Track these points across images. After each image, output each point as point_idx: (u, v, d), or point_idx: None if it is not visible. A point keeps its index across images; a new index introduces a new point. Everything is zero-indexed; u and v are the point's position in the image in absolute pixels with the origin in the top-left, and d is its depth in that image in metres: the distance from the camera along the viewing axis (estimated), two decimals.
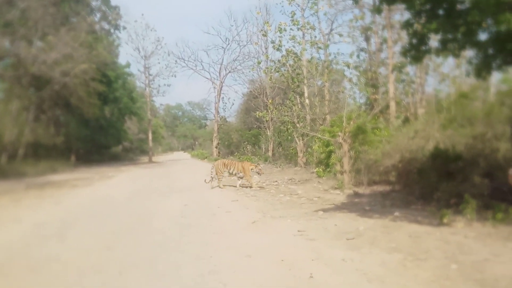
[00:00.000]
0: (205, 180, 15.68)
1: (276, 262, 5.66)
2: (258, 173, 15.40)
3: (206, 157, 43.84)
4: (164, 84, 75.26)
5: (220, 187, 14.93)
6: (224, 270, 5.42)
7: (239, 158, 32.59)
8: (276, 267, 5.46)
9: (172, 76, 70.03)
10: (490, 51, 7.51)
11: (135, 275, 5.38)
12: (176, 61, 45.70)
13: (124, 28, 42.76)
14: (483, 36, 7.74)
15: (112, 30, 41.61)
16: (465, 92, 12.76)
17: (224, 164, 15.43)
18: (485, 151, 9.74)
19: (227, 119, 47.16)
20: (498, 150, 9.63)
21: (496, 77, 12.13)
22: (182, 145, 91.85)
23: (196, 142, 78.20)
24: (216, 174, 15.30)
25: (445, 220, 7.50)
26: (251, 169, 15.11)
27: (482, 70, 7.64)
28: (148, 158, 47.94)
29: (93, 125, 36.72)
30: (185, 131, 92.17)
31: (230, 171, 15.22)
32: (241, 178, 15.16)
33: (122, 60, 59.29)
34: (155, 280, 5.17)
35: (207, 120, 75.85)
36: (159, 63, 70.45)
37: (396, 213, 8.78)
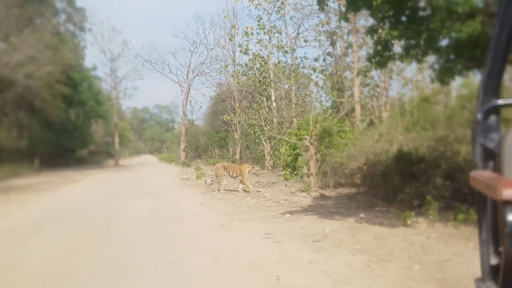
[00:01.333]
0: (205, 182, 15.84)
1: (243, 265, 5.70)
2: (256, 174, 15.24)
3: (173, 160, 43.61)
4: (131, 87, 74.63)
5: (219, 191, 14.67)
6: (192, 274, 5.40)
7: (206, 161, 32.54)
8: (243, 270, 5.50)
9: (139, 79, 69.42)
10: (451, 57, 7.76)
11: (103, 279, 5.33)
12: (143, 63, 45.35)
13: (90, 30, 42.24)
14: (444, 42, 8.00)
15: (77, 32, 41.05)
16: (427, 96, 13.14)
17: (224, 167, 15.21)
18: (446, 154, 10.04)
19: (195, 122, 46.98)
20: (459, 152, 9.94)
21: (457, 81, 12.52)
22: (149, 149, 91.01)
23: (164, 145, 77.63)
24: (216, 177, 15.09)
25: (408, 222, 7.71)
26: (248, 171, 14.82)
27: (443, 75, 7.90)
28: (115, 161, 47.37)
29: (57, 128, 36.09)
30: (153, 134, 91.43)
31: (230, 174, 14.98)
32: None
33: (88, 62, 58.62)
34: (123, 285, 5.15)
35: (174, 123, 75.38)
36: (125, 65, 69.76)
37: (361, 215, 8.96)
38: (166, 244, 7.16)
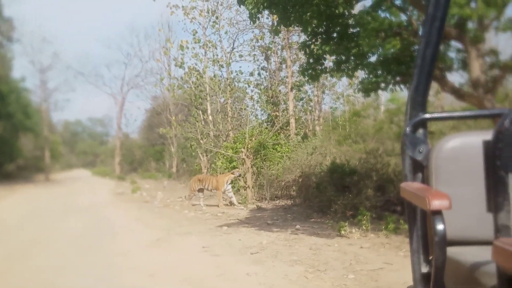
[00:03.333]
0: (184, 197, 14.88)
1: (180, 280, 5.67)
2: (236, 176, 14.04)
3: (107, 174, 42.53)
4: (63, 99, 72.30)
5: (198, 205, 13.72)
6: None
7: (142, 175, 31.98)
8: (180, 285, 5.47)
9: (71, 91, 67.46)
10: (379, 72, 8.09)
11: None
12: (75, 75, 44.16)
13: (18, 40, 40.71)
14: (373, 59, 8.35)
15: (4, 43, 39.44)
16: (357, 110, 13.59)
17: (199, 179, 14.24)
18: (377, 166, 10.41)
19: (130, 136, 46.20)
20: (389, 164, 10.34)
21: (385, 96, 13.04)
22: (82, 162, 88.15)
23: (98, 159, 75.54)
24: (190, 190, 14.35)
25: (342, 232, 7.93)
26: (227, 181, 13.49)
27: (370, 89, 8.23)
28: (45, 176, 45.64)
29: None
30: (86, 148, 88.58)
31: (206, 187, 13.90)
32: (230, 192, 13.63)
33: (16, 73, 56.32)
34: None
35: (109, 136, 73.74)
36: (57, 77, 67.53)
37: (297, 226, 9.12)
38: (99, 262, 6.97)
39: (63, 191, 25.95)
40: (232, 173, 13.84)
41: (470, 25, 7.25)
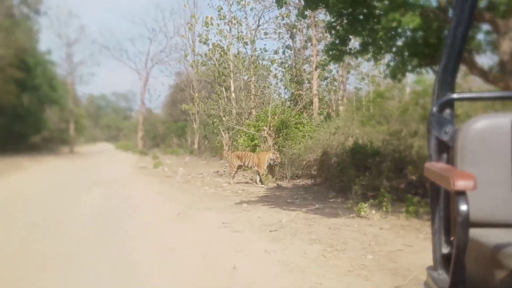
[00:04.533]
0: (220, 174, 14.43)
1: (199, 254, 5.73)
2: (275, 161, 13.31)
3: (130, 149, 43.01)
4: (88, 73, 72.91)
5: (229, 184, 13.52)
6: (146, 264, 5.40)
7: (164, 151, 32.25)
8: (199, 259, 5.53)
9: (96, 65, 67.92)
10: (406, 54, 7.96)
11: (53, 270, 5.24)
12: (100, 50, 44.43)
13: (45, 13, 41.02)
14: (399, 42, 8.20)
15: (31, 15, 39.77)
16: (382, 91, 13.42)
17: (238, 156, 13.80)
18: (400, 148, 10.32)
19: (153, 111, 46.52)
20: (412, 146, 10.23)
21: (411, 78, 12.86)
22: (105, 136, 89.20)
23: (121, 134, 76.33)
24: (229, 168, 13.99)
25: (362, 213, 7.91)
26: (268, 159, 13.10)
27: (397, 72, 8.10)
28: (69, 148, 46.32)
29: (9, 113, 34.91)
30: (109, 122, 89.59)
31: (246, 164, 13.59)
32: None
33: (42, 46, 56.84)
34: (75, 275, 5.08)
35: (132, 111, 74.33)
36: (82, 51, 68.06)
37: (317, 206, 9.13)
38: (120, 233, 7.11)
39: (87, 163, 26.38)
40: (273, 153, 13.35)
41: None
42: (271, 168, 13.31)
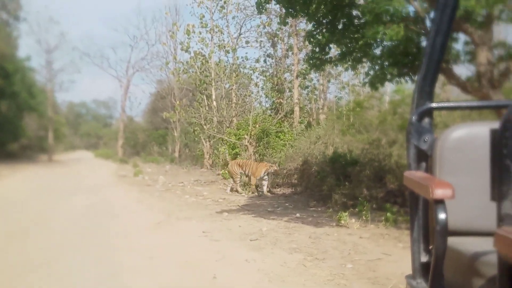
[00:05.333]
0: (230, 186, 13.87)
1: (179, 264, 5.70)
2: (274, 174, 13.09)
3: (110, 157, 42.61)
4: (68, 80, 72.20)
5: (237, 192, 13.23)
6: (125, 273, 5.34)
7: (145, 159, 32.05)
8: (179, 269, 5.50)
9: (77, 72, 67.33)
10: (385, 64, 8.04)
11: (33, 277, 5.17)
12: (81, 56, 44.10)
13: (25, 19, 40.55)
14: (378, 50, 8.30)
15: (11, 21, 39.30)
16: (361, 100, 13.55)
17: (239, 164, 13.45)
18: (379, 156, 10.41)
19: (134, 119, 46.23)
20: (392, 155, 10.33)
21: (390, 87, 13.00)
22: (85, 144, 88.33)
23: (101, 142, 75.64)
24: (231, 177, 13.64)
25: (342, 222, 7.93)
26: (265, 172, 12.75)
27: (376, 81, 8.18)
28: (48, 156, 45.72)
29: None
30: (89, 130, 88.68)
31: (246, 173, 13.25)
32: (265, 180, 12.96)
33: (22, 53, 56.10)
34: (54, 283, 5.01)
35: (112, 119, 73.79)
36: (62, 58, 67.42)
37: (298, 215, 9.14)
38: (99, 242, 7.03)
39: (66, 171, 26.04)
40: (270, 166, 12.93)
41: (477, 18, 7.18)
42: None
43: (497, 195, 1.13)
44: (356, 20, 8.36)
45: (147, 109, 45.90)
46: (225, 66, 20.51)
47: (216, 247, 6.62)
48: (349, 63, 8.92)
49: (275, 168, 12.94)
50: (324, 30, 8.58)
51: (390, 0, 7.09)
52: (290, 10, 8.44)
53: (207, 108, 20.34)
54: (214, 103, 20.39)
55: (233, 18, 20.62)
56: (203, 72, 20.70)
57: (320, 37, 8.67)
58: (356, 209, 8.48)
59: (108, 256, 6.13)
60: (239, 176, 13.36)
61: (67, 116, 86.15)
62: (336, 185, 10.07)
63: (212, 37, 21.08)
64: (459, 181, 1.85)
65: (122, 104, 43.12)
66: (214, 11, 21.09)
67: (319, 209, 9.85)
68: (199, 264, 5.70)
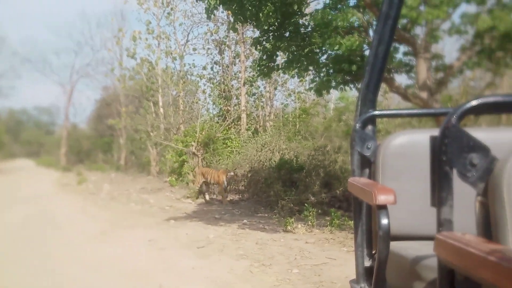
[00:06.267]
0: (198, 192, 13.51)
1: (125, 274, 5.60)
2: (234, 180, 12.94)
3: (53, 165, 41.37)
4: (8, 86, 69.61)
5: (205, 200, 12.83)
6: (69, 284, 5.22)
7: (89, 167, 31.31)
8: (125, 279, 5.40)
9: (17, 78, 65.04)
10: (330, 71, 8.22)
11: None
12: (22, 62, 42.70)
13: None
14: (324, 58, 8.50)
15: None
16: (307, 107, 13.76)
17: (202, 173, 13.05)
18: (325, 163, 10.59)
19: (78, 126, 45.11)
20: (336, 161, 10.52)
21: (335, 94, 13.28)
22: (26, 152, 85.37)
23: (43, 149, 73.29)
24: (197, 184, 13.26)
25: (288, 227, 8.02)
26: (225, 179, 12.42)
27: (322, 88, 8.35)
28: None
29: None
30: (30, 137, 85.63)
31: (209, 180, 12.83)
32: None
33: None
34: None
35: (55, 126, 71.56)
36: (2, 63, 64.99)
37: (245, 221, 9.16)
38: (41, 254, 6.80)
39: (5, 180, 25.06)
40: (228, 172, 12.71)
41: (419, 29, 7.50)
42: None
43: (437, 200, 1.17)
44: (302, 29, 8.52)
45: (92, 116, 44.88)
46: (172, 73, 20.35)
47: (162, 255, 6.55)
48: (296, 70, 9.06)
49: (232, 174, 12.82)
50: (271, 38, 8.69)
51: (339, 12, 7.34)
52: (239, 16, 8.49)
53: (154, 115, 20.12)
54: (161, 110, 20.19)
55: (180, 25, 20.50)
56: (149, 78, 20.47)
57: (267, 45, 8.78)
58: (302, 215, 8.59)
59: (50, 268, 5.94)
60: (201, 185, 13.12)
61: (7, 123, 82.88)
62: (282, 191, 10.17)
63: (159, 44, 20.89)
64: (401, 187, 1.89)
65: (66, 111, 42.07)
66: (161, 18, 20.92)
67: (266, 215, 9.91)
68: (145, 273, 5.62)
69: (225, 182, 12.45)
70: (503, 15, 6.57)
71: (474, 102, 1.16)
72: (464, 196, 1.22)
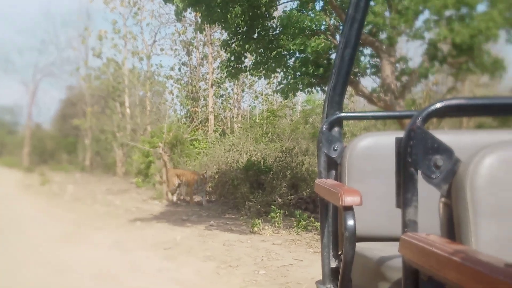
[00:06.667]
0: (166, 193, 13.33)
1: (90, 276, 5.52)
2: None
3: (15, 165, 40.35)
4: None
5: (173, 201, 12.66)
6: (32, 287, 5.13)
7: (53, 167, 30.68)
8: (89, 282, 5.33)
9: None
10: (298, 74, 8.29)
11: None
12: None
13: None
14: (291, 61, 8.57)
15: None
16: (274, 110, 13.83)
17: (176, 175, 12.82)
18: (292, 164, 10.65)
19: (42, 126, 44.12)
20: (303, 163, 10.60)
21: (302, 97, 13.39)
22: None
23: (4, 149, 71.38)
24: (168, 186, 13.04)
25: (255, 229, 8.04)
26: (197, 180, 12.31)
27: (289, 90, 8.43)
28: None
29: None
30: None
31: (183, 182, 12.63)
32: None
33: None
34: None
35: (18, 125, 69.80)
36: None
37: (212, 222, 9.13)
38: (2, 256, 6.63)
39: None
40: (199, 174, 12.53)
41: (383, 34, 7.67)
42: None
43: (402, 202, 1.18)
44: (271, 31, 8.57)
45: (56, 116, 43.97)
46: (139, 73, 20.17)
47: (128, 257, 6.48)
48: (264, 72, 9.11)
49: (203, 175, 12.59)
50: (240, 39, 8.72)
51: (306, 14, 7.44)
52: (208, 18, 8.49)
53: (120, 116, 19.89)
54: (128, 110, 19.98)
55: (147, 25, 20.37)
56: (116, 78, 20.23)
57: (235, 46, 8.81)
58: (269, 216, 8.62)
59: (13, 271, 5.80)
60: (176, 187, 12.91)
61: None
62: (250, 193, 10.19)
63: (125, 44, 20.67)
64: (367, 188, 1.91)
65: (29, 111, 41.05)
66: (128, 17, 20.71)
67: (234, 216, 9.91)
68: (110, 276, 5.56)
69: (195, 183, 12.39)
70: (460, 27, 6.74)
71: (438, 105, 1.18)
72: (429, 197, 1.24)
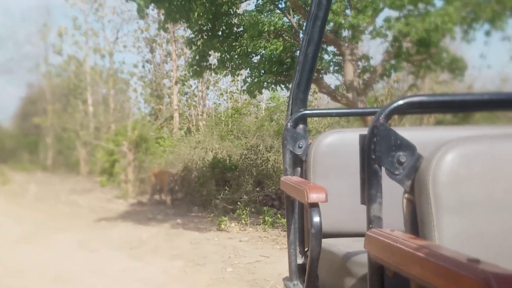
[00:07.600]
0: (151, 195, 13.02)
1: (52, 277, 5.42)
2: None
3: None
4: None
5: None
6: None
7: (14, 167, 29.94)
8: (51, 283, 5.23)
9: None
10: (262, 71, 8.32)
11: None
12: None
13: None
14: (256, 58, 8.60)
15: None
16: (239, 107, 13.84)
17: (154, 174, 12.53)
18: (257, 162, 10.69)
19: (1, 124, 42.98)
20: (269, 160, 10.64)
21: (266, 94, 13.42)
22: None
23: None
24: (151, 186, 12.74)
25: (222, 226, 8.05)
26: (168, 178, 11.84)
27: (253, 88, 8.45)
28: None
29: None
30: None
31: (163, 182, 12.02)
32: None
33: None
34: None
35: None
36: None
37: (178, 221, 9.10)
38: None
39: None
40: (170, 173, 12.18)
41: (344, 32, 7.77)
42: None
43: (366, 198, 1.20)
44: (235, 29, 8.57)
45: (16, 114, 42.87)
46: (101, 70, 19.86)
47: (92, 258, 6.40)
48: (228, 69, 9.10)
49: (173, 174, 12.32)
50: (204, 37, 8.68)
51: (267, 14, 7.49)
52: (171, 16, 8.42)
53: (83, 114, 19.55)
54: (90, 108, 19.67)
55: (109, 21, 20.08)
56: (77, 76, 19.86)
57: (200, 44, 8.77)
58: (236, 214, 8.64)
59: None
60: (157, 186, 12.59)
61: None
62: (216, 190, 10.18)
63: (87, 40, 20.31)
64: (332, 185, 1.93)
65: None
66: (89, 14, 20.35)
67: (200, 214, 9.88)
68: (73, 277, 5.47)
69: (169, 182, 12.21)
70: (416, 22, 6.85)
71: (400, 102, 1.19)
72: (393, 193, 1.26)
